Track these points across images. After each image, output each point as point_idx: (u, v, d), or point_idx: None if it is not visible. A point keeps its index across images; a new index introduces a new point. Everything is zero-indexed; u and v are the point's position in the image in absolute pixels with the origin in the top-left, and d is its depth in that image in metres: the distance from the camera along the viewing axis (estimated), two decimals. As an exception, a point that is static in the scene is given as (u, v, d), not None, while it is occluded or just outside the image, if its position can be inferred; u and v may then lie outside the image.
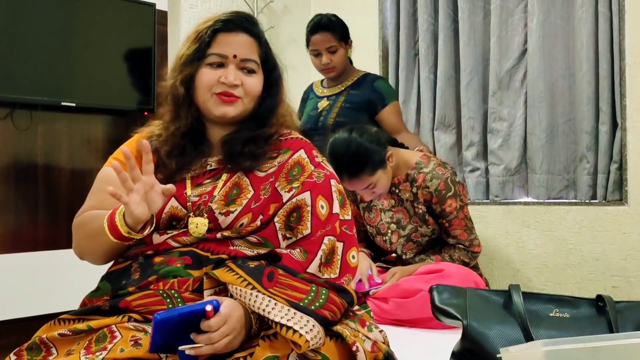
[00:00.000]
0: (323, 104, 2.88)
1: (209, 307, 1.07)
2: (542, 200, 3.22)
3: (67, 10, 2.85)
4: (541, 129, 3.19)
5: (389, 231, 2.31)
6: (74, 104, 2.86)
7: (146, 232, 1.26)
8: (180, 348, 1.08)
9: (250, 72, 1.41)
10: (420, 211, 2.24)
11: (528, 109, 3.26)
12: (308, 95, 3.02)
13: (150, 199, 1.22)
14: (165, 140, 1.40)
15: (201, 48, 1.40)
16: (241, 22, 1.42)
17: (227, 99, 1.38)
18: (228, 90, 1.38)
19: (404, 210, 2.28)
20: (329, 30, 2.75)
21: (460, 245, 2.24)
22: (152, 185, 1.22)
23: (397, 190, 2.28)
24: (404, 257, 2.32)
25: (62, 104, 2.83)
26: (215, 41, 1.40)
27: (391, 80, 3.75)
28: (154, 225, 1.29)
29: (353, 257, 1.36)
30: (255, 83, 1.42)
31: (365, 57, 3.85)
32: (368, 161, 2.13)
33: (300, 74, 4.04)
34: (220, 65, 1.39)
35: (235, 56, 1.39)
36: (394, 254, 2.39)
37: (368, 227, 2.40)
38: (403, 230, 2.28)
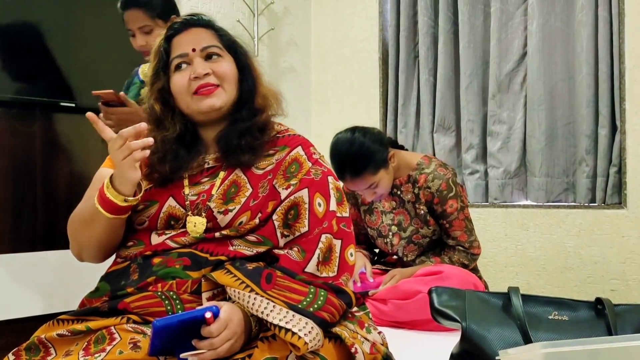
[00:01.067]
0: (145, 91, 2.56)
1: (208, 314, 1.07)
2: (541, 203, 3.22)
3: (68, 10, 2.86)
4: (540, 132, 3.19)
5: (390, 233, 2.32)
6: (73, 105, 2.86)
7: (138, 196, 1.29)
8: (183, 355, 1.08)
9: (216, 57, 1.41)
10: (422, 212, 2.24)
11: (527, 111, 3.26)
12: (132, 79, 2.62)
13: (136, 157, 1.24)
14: (156, 147, 1.37)
15: (162, 59, 1.41)
16: (189, 21, 1.44)
17: (206, 91, 1.37)
18: (202, 83, 1.37)
19: (405, 212, 2.28)
20: (140, 6, 2.27)
21: (460, 247, 2.25)
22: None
23: (398, 192, 2.28)
24: (405, 259, 2.32)
25: (61, 104, 2.83)
26: (172, 47, 1.41)
27: (391, 83, 3.75)
28: (142, 192, 1.30)
29: (351, 254, 1.36)
30: (225, 66, 1.41)
31: (365, 59, 3.85)
32: (370, 160, 2.14)
33: (301, 76, 4.04)
34: (186, 65, 1.39)
35: (194, 49, 1.39)
36: (394, 256, 2.39)
37: (369, 229, 2.40)
38: (404, 232, 2.28)
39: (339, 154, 2.15)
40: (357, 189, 2.22)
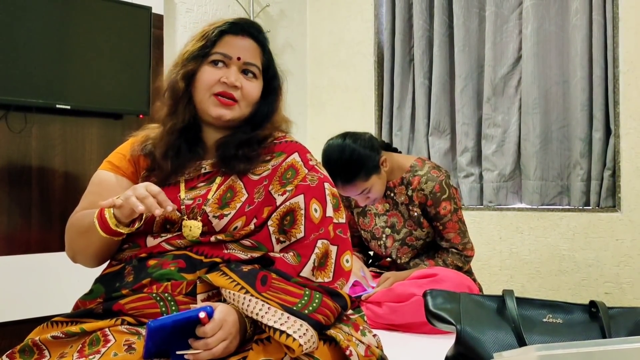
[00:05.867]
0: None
1: (202, 314, 1.07)
2: (535, 206, 3.23)
3: (63, 12, 2.85)
4: (535, 135, 3.21)
5: (384, 235, 2.32)
6: (68, 107, 2.85)
7: (135, 227, 1.27)
8: (179, 352, 1.08)
9: (251, 76, 1.42)
10: (415, 214, 2.25)
11: (522, 115, 3.28)
12: None
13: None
14: (160, 139, 1.40)
15: (206, 46, 1.41)
16: (248, 27, 1.44)
17: (225, 101, 1.38)
18: (228, 91, 1.38)
19: (398, 214, 2.29)
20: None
21: (454, 249, 2.25)
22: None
23: (392, 194, 2.28)
24: (398, 261, 2.32)
25: (57, 106, 2.82)
26: (221, 42, 1.41)
27: (386, 86, 3.76)
28: (142, 221, 1.29)
29: (347, 260, 1.36)
30: (254, 88, 1.42)
31: (361, 63, 3.86)
32: (362, 167, 2.14)
33: (297, 79, 4.05)
34: (223, 65, 1.40)
35: (239, 58, 1.40)
36: (388, 259, 2.39)
37: (362, 232, 2.40)
38: (398, 234, 2.29)
39: (330, 161, 2.15)
40: (349, 195, 2.22)
